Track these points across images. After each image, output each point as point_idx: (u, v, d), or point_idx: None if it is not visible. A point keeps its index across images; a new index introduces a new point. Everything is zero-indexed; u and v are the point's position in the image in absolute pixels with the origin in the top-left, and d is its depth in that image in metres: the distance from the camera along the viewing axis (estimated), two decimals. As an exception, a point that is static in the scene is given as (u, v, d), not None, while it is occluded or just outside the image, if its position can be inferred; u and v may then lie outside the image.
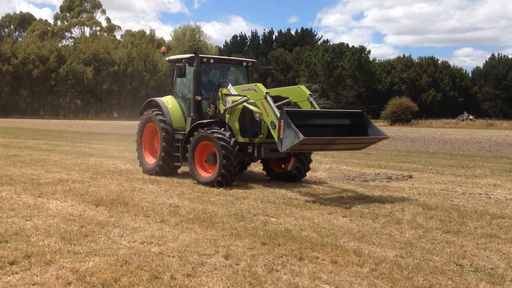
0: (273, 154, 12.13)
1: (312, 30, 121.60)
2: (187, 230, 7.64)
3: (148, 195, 10.72)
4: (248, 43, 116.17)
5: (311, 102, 11.82)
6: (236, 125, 12.42)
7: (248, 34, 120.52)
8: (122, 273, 5.59)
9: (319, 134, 10.66)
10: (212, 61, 13.54)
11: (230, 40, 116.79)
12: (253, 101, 12.05)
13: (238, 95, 12.44)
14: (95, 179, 12.97)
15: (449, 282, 5.39)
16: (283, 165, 13.45)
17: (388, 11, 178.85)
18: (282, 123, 10.29)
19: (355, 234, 7.47)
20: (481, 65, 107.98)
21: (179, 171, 14.50)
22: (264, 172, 14.16)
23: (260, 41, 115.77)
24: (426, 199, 10.62)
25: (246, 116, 12.40)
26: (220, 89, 12.93)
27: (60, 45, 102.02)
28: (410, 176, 14.60)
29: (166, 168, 13.57)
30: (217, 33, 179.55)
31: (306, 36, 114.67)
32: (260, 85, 11.81)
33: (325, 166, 17.07)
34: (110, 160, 18.08)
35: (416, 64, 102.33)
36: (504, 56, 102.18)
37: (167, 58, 14.76)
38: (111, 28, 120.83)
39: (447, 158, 21.32)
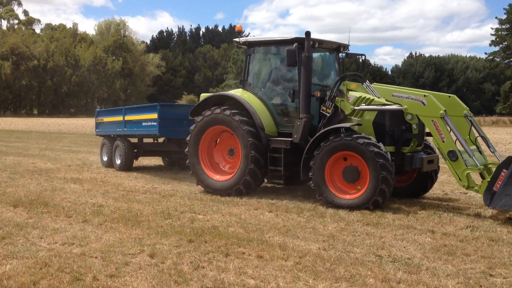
0: (430, 166, 9.79)
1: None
2: (111, 230, 7.47)
3: (70, 194, 10.39)
4: (175, 39, 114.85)
5: (470, 122, 9.20)
6: (370, 130, 9.57)
7: (175, 30, 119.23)
8: (41, 276, 5.39)
9: None
10: (317, 45, 10.32)
11: (156, 36, 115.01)
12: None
13: (382, 99, 9.72)
14: (13, 179, 12.40)
15: (369, 273, 5.62)
16: (405, 179, 10.41)
17: (313, 9, 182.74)
18: (503, 174, 8.07)
19: (281, 229, 7.61)
20: (400, 63, 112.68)
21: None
22: None
23: (187, 37, 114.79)
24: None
25: (385, 118, 9.61)
26: (343, 83, 10.02)
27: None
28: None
29: (253, 184, 10.28)
30: (142, 28, 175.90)
31: (233, 33, 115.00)
32: (432, 97, 9.14)
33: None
34: (29, 159, 17.35)
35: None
36: (421, 54, 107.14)
37: (242, 40, 10.96)
38: (30, 21, 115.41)
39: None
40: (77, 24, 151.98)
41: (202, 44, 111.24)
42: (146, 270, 5.68)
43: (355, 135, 8.98)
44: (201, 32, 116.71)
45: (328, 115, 9.88)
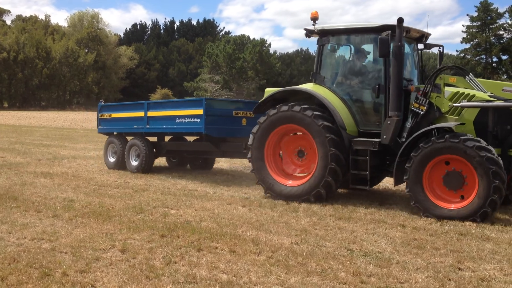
0: None
1: (214, 21, 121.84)
2: (81, 225, 7.37)
3: (40, 189, 10.21)
4: (149, 32, 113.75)
5: None
6: (470, 129, 8.48)
7: (149, 23, 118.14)
8: (9, 272, 5.29)
9: None
10: (404, 33, 9.19)
11: (130, 28, 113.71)
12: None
13: (490, 94, 8.53)
14: (-19, 174, 12.12)
15: (340, 266, 5.67)
16: None
17: (287, 4, 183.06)
18: None
19: (254, 223, 7.61)
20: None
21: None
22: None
23: (162, 31, 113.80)
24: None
25: (488, 116, 8.45)
26: (440, 77, 8.78)
27: None
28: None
29: (334, 186, 9.21)
30: (115, 21, 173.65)
31: (208, 27, 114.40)
32: None
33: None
34: (-2, 153, 16.98)
35: (313, 57, 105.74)
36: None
37: (318, 28, 9.71)
38: (0, 12, 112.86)
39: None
40: (50, 16, 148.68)
41: (176, 38, 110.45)
42: (117, 265, 5.62)
43: (462, 137, 7.82)
44: (175, 26, 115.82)
45: (421, 112, 8.68)
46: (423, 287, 5.10)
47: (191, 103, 12.52)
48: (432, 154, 8.04)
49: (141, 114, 13.16)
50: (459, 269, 5.66)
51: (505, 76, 72.27)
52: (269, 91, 10.20)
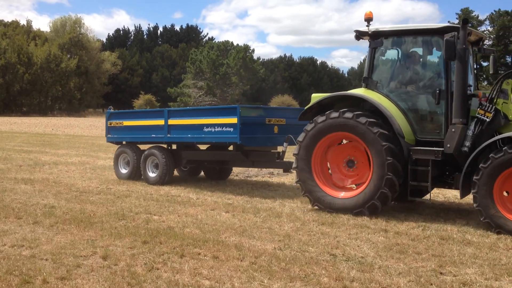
0: None
1: (197, 27, 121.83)
2: (62, 232, 7.29)
3: (21, 195, 10.08)
4: (132, 37, 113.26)
5: None
6: None
7: (132, 29, 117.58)
8: (-12, 280, 5.20)
9: None
10: (475, 37, 8.80)
11: (113, 34, 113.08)
12: None
13: None
14: (-40, 180, 11.94)
15: (323, 272, 5.67)
16: None
17: (271, 10, 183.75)
18: None
19: (237, 229, 7.59)
20: (356, 66, 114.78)
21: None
22: None
23: (145, 36, 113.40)
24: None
25: None
26: (507, 81, 8.27)
27: None
28: (290, 172, 15.10)
29: (390, 198, 8.54)
30: (98, 26, 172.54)
31: (192, 33, 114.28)
32: None
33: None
34: (-23, 159, 16.74)
35: (297, 64, 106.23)
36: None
37: (372, 29, 9.12)
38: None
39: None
40: (31, 21, 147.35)
41: (159, 44, 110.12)
42: (98, 272, 5.56)
43: None
44: (158, 31, 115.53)
45: (487, 120, 8.07)
46: (405, 291, 5.13)
47: (222, 111, 11.71)
48: (505, 165, 7.41)
49: (160, 122, 12.22)
50: (441, 273, 5.70)
51: (485, 83, 73.38)
52: (316, 96, 9.53)
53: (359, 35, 9.33)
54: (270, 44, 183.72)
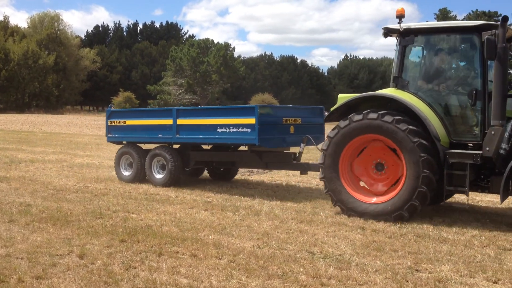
0: None
1: (177, 24, 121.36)
2: (38, 230, 7.20)
3: (-4, 194, 9.92)
4: (111, 34, 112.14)
5: None
6: None
7: (111, 25, 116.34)
8: (-39, 280, 5.11)
9: None
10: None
11: (91, 30, 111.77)
12: None
13: None
14: None
15: (301, 269, 5.70)
16: None
17: (252, 9, 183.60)
18: None
19: (216, 227, 7.58)
20: (335, 65, 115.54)
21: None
22: None
23: (124, 33, 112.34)
24: (283, 192, 11.09)
25: None
26: None
27: None
28: (270, 170, 15.12)
29: (419, 210, 8.16)
30: (77, 22, 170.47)
31: (172, 30, 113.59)
32: None
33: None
34: (-49, 157, 16.43)
35: (277, 62, 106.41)
36: (356, 56, 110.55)
37: (404, 26, 8.63)
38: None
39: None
40: (9, 17, 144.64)
41: (139, 41, 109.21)
42: (75, 271, 5.51)
43: None
44: (138, 28, 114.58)
45: None
46: (382, 288, 5.18)
47: (239, 111, 11.13)
48: None
49: (168, 122, 11.59)
50: (417, 270, 5.78)
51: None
52: (343, 97, 9.14)
53: (389, 32, 8.96)
54: (251, 42, 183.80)
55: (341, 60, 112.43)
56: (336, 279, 5.40)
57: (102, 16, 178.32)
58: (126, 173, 12.30)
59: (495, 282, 5.42)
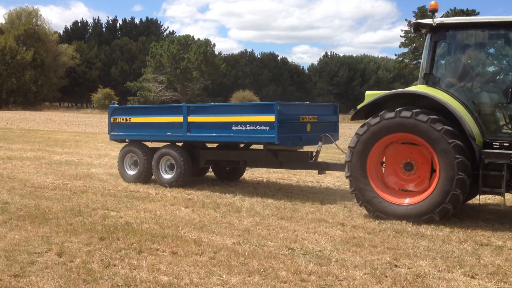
0: None
1: (157, 20, 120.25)
2: (16, 228, 7.11)
3: (-28, 191, 9.76)
4: (90, 30, 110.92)
5: None
6: None
7: (90, 21, 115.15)
8: None
9: None
10: None
11: (70, 26, 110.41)
12: None
13: None
14: None
15: (281, 265, 5.73)
16: None
17: (232, 5, 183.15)
18: None
19: (196, 224, 7.57)
20: (316, 62, 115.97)
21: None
22: None
23: (104, 29, 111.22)
24: (264, 189, 11.12)
25: None
26: None
27: None
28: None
29: (451, 212, 7.83)
30: (55, 18, 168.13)
31: (152, 26, 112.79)
32: None
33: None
34: None
35: (258, 59, 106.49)
36: (336, 54, 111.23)
37: (437, 21, 8.21)
38: None
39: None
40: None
41: (119, 37, 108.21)
42: (53, 269, 5.45)
43: None
44: (118, 24, 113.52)
45: None
46: (361, 284, 5.23)
47: (256, 108, 10.78)
48: None
49: (178, 119, 11.01)
50: (395, 266, 5.84)
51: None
52: (370, 94, 8.70)
53: (419, 27, 8.62)
54: (232, 39, 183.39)
55: (321, 57, 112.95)
56: (316, 275, 5.43)
57: (81, 12, 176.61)
58: (131, 172, 11.78)
59: (472, 277, 5.50)
